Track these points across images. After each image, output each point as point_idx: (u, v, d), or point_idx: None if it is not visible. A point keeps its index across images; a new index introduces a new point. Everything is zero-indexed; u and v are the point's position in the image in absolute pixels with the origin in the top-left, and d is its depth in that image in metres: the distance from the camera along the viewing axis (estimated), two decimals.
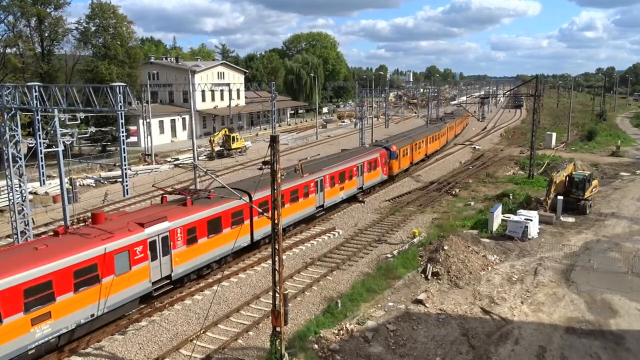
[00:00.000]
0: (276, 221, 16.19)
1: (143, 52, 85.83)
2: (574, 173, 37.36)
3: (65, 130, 25.32)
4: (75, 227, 21.04)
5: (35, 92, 24.89)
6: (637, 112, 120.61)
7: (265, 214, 25.30)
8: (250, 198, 26.30)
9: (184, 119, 77.99)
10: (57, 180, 31.18)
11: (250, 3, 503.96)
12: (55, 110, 25.06)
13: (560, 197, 34.92)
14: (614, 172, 51.96)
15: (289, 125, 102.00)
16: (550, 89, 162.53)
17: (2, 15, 61.17)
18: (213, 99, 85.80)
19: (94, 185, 47.49)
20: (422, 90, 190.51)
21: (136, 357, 18.56)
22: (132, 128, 65.80)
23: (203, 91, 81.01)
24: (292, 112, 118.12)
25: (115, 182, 46.16)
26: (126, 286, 19.95)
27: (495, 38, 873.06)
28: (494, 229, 31.94)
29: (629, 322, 20.83)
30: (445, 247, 26.38)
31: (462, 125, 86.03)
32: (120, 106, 23.20)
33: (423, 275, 25.01)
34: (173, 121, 76.84)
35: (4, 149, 24.98)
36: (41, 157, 26.78)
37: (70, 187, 37.09)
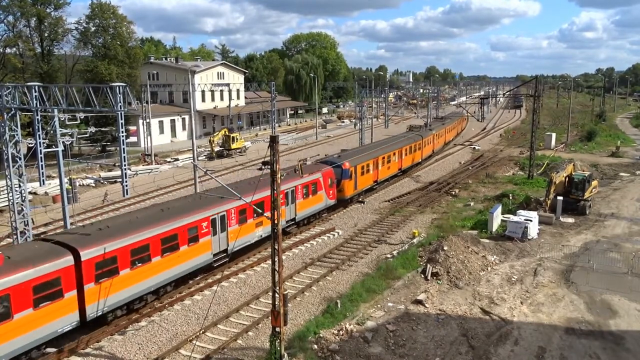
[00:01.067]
0: (276, 221, 16.19)
1: (143, 52, 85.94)
2: (573, 173, 37.38)
3: (65, 130, 25.35)
4: None
5: (35, 92, 24.87)
6: (636, 113, 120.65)
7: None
8: (78, 257, 18.41)
9: (183, 119, 78.02)
10: (57, 180, 31.19)
11: (250, 3, 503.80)
12: (55, 110, 25.07)
13: (559, 198, 34.93)
14: (614, 172, 51.99)
15: (289, 125, 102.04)
16: (550, 89, 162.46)
17: (2, 15, 61.32)
18: (213, 99, 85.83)
19: (93, 185, 47.49)
20: (421, 90, 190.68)
21: (136, 357, 18.56)
22: (132, 128, 65.86)
23: (203, 91, 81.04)
24: (292, 112, 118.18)
25: (115, 182, 46.16)
26: None
27: (495, 38, 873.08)
28: (494, 229, 31.95)
29: (629, 322, 20.85)
30: (445, 248, 26.39)
31: (456, 130, 78.46)
32: (120, 106, 23.16)
33: (423, 276, 25.01)
34: (173, 121, 76.88)
35: (4, 149, 24.97)
36: (41, 157, 26.76)
37: (70, 187, 37.08)
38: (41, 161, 26.94)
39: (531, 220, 30.55)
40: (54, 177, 42.19)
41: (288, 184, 30.17)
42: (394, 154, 46.08)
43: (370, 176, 41.17)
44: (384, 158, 43.60)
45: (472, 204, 39.38)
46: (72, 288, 18.21)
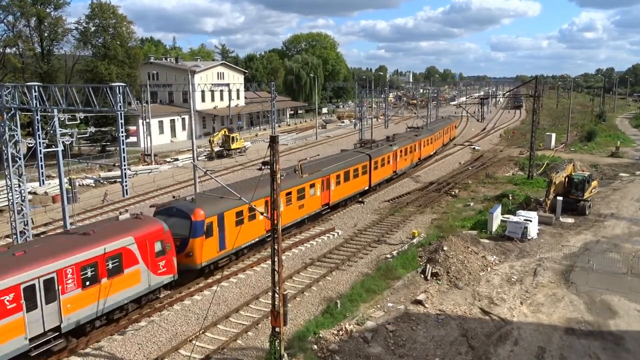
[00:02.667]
0: (275, 222, 16.19)
1: (143, 52, 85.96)
2: (573, 174, 37.39)
3: (64, 130, 25.33)
4: None
5: (35, 92, 24.87)
6: (636, 113, 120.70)
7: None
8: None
9: (183, 119, 78.02)
10: (57, 180, 31.18)
11: (250, 3, 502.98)
12: (55, 110, 25.06)
13: (559, 198, 34.93)
14: (614, 172, 51.99)
15: (289, 125, 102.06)
16: (550, 89, 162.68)
17: (1, 15, 61.34)
18: (213, 99, 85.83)
19: (93, 185, 47.51)
20: (421, 90, 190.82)
21: (135, 357, 18.56)
22: (132, 128, 65.87)
23: (203, 91, 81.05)
24: (292, 112, 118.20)
25: (115, 182, 46.16)
26: None
27: (495, 39, 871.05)
28: (494, 229, 31.96)
29: (629, 322, 20.85)
30: (445, 248, 26.39)
31: (441, 140, 65.73)
32: (120, 106, 23.17)
33: (422, 276, 25.02)
34: (172, 121, 76.87)
35: (4, 149, 24.97)
36: (41, 157, 26.76)
37: (70, 187, 37.07)
38: (41, 161, 26.94)
39: (531, 221, 30.55)
40: (53, 177, 42.18)
41: (41, 265, 17.42)
42: (313, 185, 33.02)
43: (258, 224, 27.82)
44: (290, 193, 30.81)
45: (471, 204, 39.38)
46: None
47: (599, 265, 26.07)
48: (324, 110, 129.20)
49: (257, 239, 28.07)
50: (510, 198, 39.08)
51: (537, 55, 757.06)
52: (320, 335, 19.30)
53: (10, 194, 25.50)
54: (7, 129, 24.87)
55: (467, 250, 27.11)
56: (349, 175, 37.64)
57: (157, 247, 21.64)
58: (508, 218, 31.66)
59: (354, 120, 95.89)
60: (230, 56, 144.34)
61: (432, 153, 60.06)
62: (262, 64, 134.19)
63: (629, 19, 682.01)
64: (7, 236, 30.31)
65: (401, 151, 48.08)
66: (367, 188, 41.32)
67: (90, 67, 65.04)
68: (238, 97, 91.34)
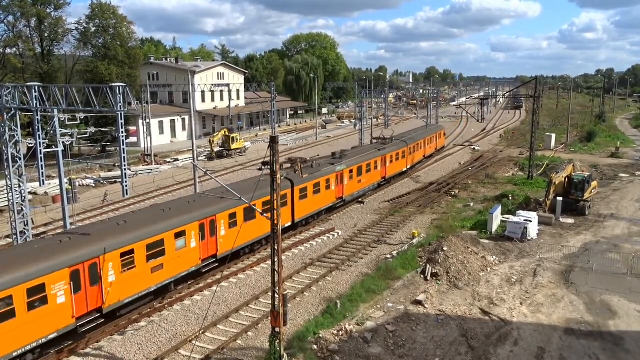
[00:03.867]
0: (275, 222, 16.20)
1: (143, 53, 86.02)
2: (573, 174, 37.39)
3: (65, 131, 25.37)
4: None
5: (35, 92, 24.87)
6: (636, 114, 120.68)
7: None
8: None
9: (183, 119, 78.05)
10: (57, 181, 31.20)
11: (250, 4, 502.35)
12: (55, 111, 25.09)
13: (559, 198, 34.94)
14: (613, 173, 51.98)
15: (289, 125, 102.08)
16: (550, 90, 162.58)
17: (2, 16, 61.39)
18: (213, 99, 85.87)
19: (93, 185, 47.51)
20: (421, 91, 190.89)
21: (135, 357, 18.57)
22: (132, 128, 65.91)
23: (203, 92, 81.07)
24: (292, 112, 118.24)
25: (115, 182, 46.18)
26: None
27: (495, 39, 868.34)
28: (494, 229, 31.97)
29: (628, 323, 20.86)
30: (445, 248, 26.39)
31: (422, 152, 55.09)
32: (120, 106, 23.17)
33: (422, 276, 25.03)
34: (173, 122, 76.91)
35: (4, 149, 24.98)
36: (41, 157, 26.75)
37: (70, 187, 37.08)
38: (41, 161, 26.93)
39: (531, 221, 30.56)
40: (53, 177, 42.19)
41: None
42: (181, 233, 22.53)
43: (58, 311, 17.63)
44: (131, 252, 20.19)
45: (471, 204, 39.39)
46: None
47: (599, 266, 26.07)
48: (324, 110, 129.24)
49: (61, 330, 17.77)
50: (510, 198, 39.08)
51: (537, 55, 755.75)
52: (320, 335, 19.31)
53: (10, 194, 25.52)
54: (7, 129, 24.89)
55: (467, 250, 27.12)
56: (252, 213, 26.08)
57: None
58: (508, 218, 31.67)
59: (354, 121, 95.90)
60: (231, 56, 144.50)
61: (405, 169, 49.55)
62: (262, 65, 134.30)
63: (629, 20, 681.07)
64: (7, 236, 30.32)
65: (351, 171, 37.99)
66: (289, 225, 31.14)
67: (90, 68, 65.11)
68: (238, 98, 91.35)
